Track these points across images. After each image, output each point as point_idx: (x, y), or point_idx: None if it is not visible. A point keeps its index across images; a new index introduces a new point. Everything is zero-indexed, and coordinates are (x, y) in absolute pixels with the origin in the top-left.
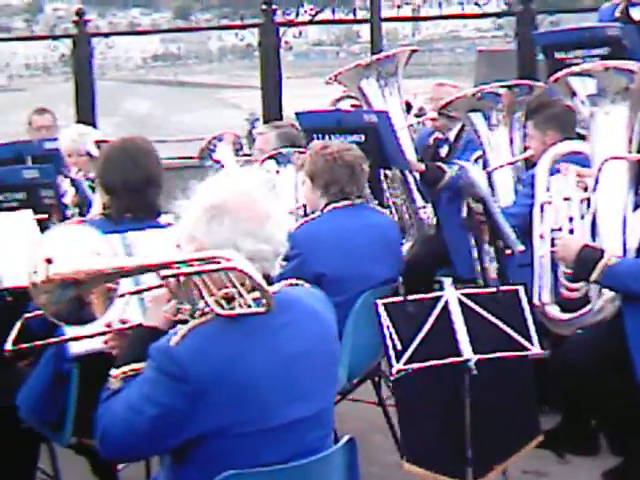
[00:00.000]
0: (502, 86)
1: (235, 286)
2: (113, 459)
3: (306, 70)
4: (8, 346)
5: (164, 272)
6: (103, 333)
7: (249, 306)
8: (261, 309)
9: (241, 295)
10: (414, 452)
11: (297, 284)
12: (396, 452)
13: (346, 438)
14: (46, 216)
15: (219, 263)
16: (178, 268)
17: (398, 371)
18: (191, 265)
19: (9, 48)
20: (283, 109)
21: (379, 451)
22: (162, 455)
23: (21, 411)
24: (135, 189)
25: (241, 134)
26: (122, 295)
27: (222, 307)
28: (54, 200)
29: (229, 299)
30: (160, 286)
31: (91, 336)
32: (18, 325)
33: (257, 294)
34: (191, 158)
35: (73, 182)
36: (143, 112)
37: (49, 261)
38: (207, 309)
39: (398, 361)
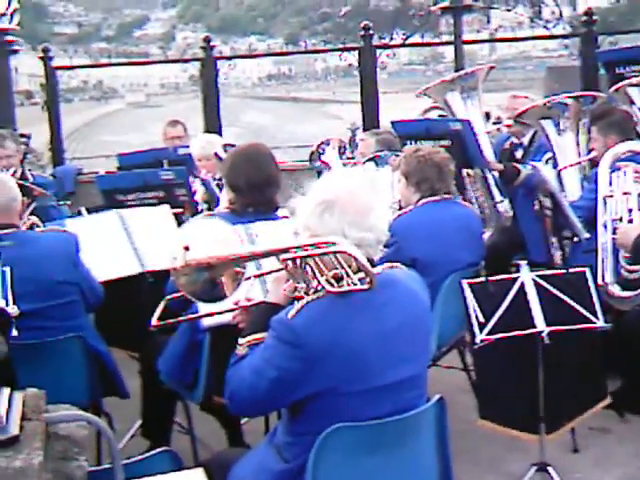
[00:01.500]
0: (569, 97)
1: (343, 267)
2: (240, 414)
3: (398, 86)
4: (154, 322)
5: (284, 256)
6: (231, 310)
7: (355, 284)
8: (365, 286)
9: (348, 275)
10: (490, 410)
11: (396, 267)
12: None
13: (436, 397)
14: (181, 210)
15: (329, 247)
16: (295, 252)
17: (482, 341)
18: (306, 249)
19: (147, 71)
20: (380, 119)
21: (464, 410)
22: (280, 410)
23: (161, 374)
24: (257, 187)
25: (344, 140)
26: (248, 278)
27: (332, 285)
28: (187, 197)
29: (338, 279)
30: (280, 269)
31: (221, 312)
32: (162, 305)
33: (362, 274)
34: (302, 161)
35: (203, 182)
36: (260, 123)
37: (187, 249)
38: (319, 287)
39: (481, 332)
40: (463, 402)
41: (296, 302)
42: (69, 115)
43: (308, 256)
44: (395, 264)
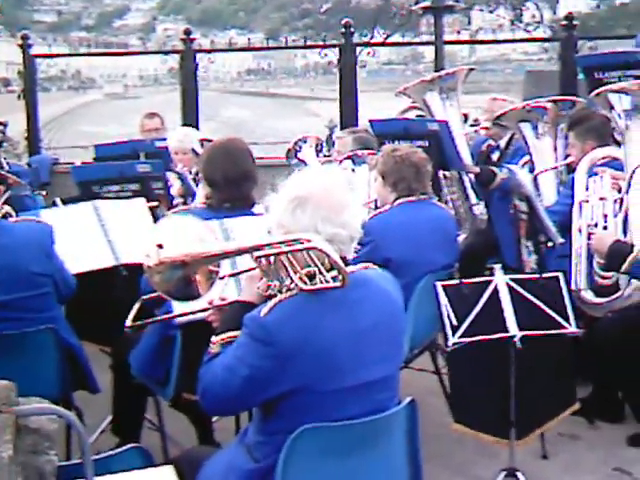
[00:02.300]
0: (549, 101)
1: (316, 265)
2: (212, 412)
3: (377, 85)
4: (128, 323)
5: (257, 253)
6: (205, 309)
7: (327, 282)
8: (337, 284)
9: (321, 273)
10: (463, 414)
11: (370, 267)
12: (449, 414)
13: (408, 399)
14: (156, 204)
15: (302, 243)
16: (268, 249)
17: (453, 344)
18: (279, 246)
19: (126, 62)
20: (358, 118)
21: (435, 413)
22: (252, 410)
23: (132, 368)
24: (234, 182)
25: (321, 138)
26: (222, 277)
27: (305, 283)
28: (163, 191)
29: (311, 277)
30: (254, 268)
31: (195, 312)
32: (136, 306)
33: (335, 272)
34: (278, 158)
35: (179, 175)
36: (238, 118)
37: (160, 246)
38: (292, 285)
39: (454, 335)
40: (434, 405)
41: (269, 300)
42: (46, 104)
43: (281, 253)
44: (369, 264)
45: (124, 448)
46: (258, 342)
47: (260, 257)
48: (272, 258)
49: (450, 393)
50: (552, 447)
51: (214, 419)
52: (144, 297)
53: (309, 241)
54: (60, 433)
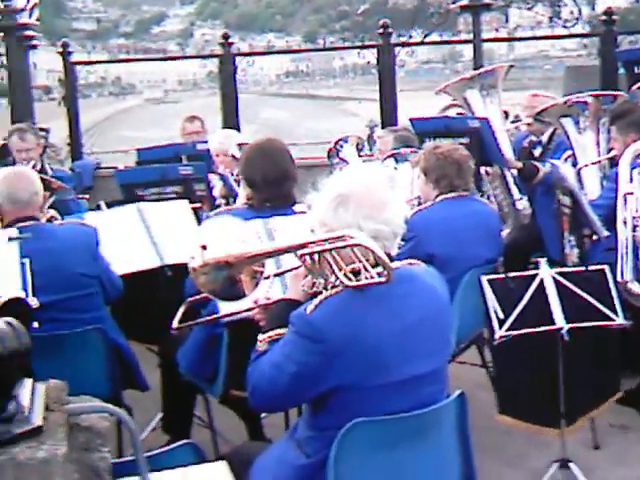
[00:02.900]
0: (590, 95)
1: (361, 261)
2: (261, 409)
3: (416, 84)
4: (175, 325)
5: (301, 251)
6: (251, 309)
7: (372, 278)
8: (383, 279)
9: (366, 269)
10: (509, 406)
11: (415, 263)
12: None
13: (457, 392)
14: (199, 205)
15: (347, 240)
16: (312, 247)
17: (500, 337)
18: (323, 244)
19: (165, 67)
20: (398, 117)
21: (484, 406)
22: (301, 406)
23: (181, 367)
24: (273, 183)
25: (363, 138)
26: (267, 277)
27: (350, 280)
28: (205, 192)
29: (356, 273)
30: (298, 266)
31: (240, 312)
32: (182, 308)
33: (380, 269)
34: (318, 158)
35: (221, 177)
36: (277, 120)
37: (204, 248)
38: (337, 282)
39: (500, 328)
40: (482, 398)
41: (315, 298)
42: (87, 110)
43: (325, 251)
44: (414, 261)
45: (176, 444)
46: (305, 339)
47: (304, 255)
48: (316, 256)
49: (495, 385)
50: (603, 438)
51: (263, 415)
52: (190, 299)
53: (353, 238)
54: (111, 431)
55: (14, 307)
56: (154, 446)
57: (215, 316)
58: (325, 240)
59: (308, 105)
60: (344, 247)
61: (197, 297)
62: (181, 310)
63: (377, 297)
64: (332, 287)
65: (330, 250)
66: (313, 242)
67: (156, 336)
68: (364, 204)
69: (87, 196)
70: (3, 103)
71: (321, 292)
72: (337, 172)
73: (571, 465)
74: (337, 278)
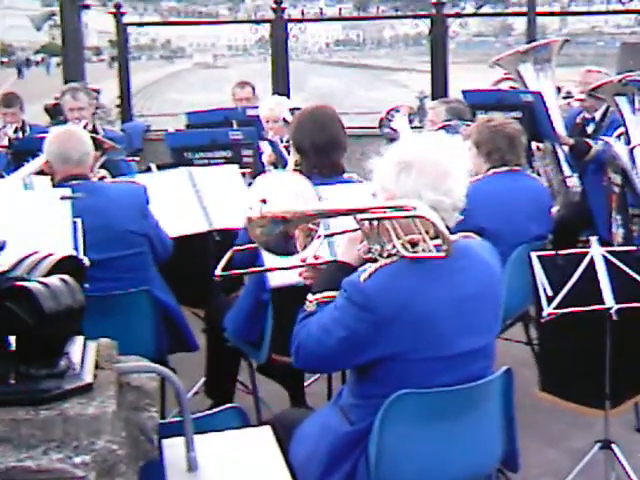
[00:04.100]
0: None
1: (420, 232)
2: (304, 368)
3: (466, 57)
4: (218, 272)
5: (362, 216)
6: (299, 266)
7: (430, 251)
8: (441, 254)
9: (425, 241)
10: (552, 384)
11: (470, 236)
12: None
13: (504, 368)
14: (249, 171)
15: (409, 211)
16: (374, 213)
17: (549, 314)
18: (385, 211)
19: (215, 31)
20: (448, 89)
21: (527, 384)
22: (345, 373)
23: (227, 332)
24: (322, 150)
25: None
26: (319, 236)
27: (407, 250)
28: (253, 159)
29: (413, 244)
30: (356, 229)
31: (287, 268)
32: (227, 255)
33: (438, 241)
34: (368, 127)
35: (271, 143)
36: (326, 88)
37: (264, 201)
38: (393, 251)
39: (549, 306)
40: (526, 376)
41: (368, 264)
42: (136, 73)
43: (386, 218)
44: (469, 234)
45: (222, 408)
46: (356, 307)
47: (364, 220)
48: (375, 222)
49: (539, 363)
50: None
51: (306, 383)
52: (235, 248)
53: (417, 209)
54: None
55: (67, 265)
56: (196, 410)
57: (261, 269)
58: (388, 208)
59: (357, 74)
60: (406, 217)
61: (243, 246)
62: (226, 257)
63: (433, 270)
64: (388, 255)
65: (391, 218)
66: (375, 208)
67: (203, 300)
68: (427, 173)
69: (137, 158)
70: (53, 62)
71: (375, 259)
72: (400, 139)
73: (613, 446)
74: (394, 247)
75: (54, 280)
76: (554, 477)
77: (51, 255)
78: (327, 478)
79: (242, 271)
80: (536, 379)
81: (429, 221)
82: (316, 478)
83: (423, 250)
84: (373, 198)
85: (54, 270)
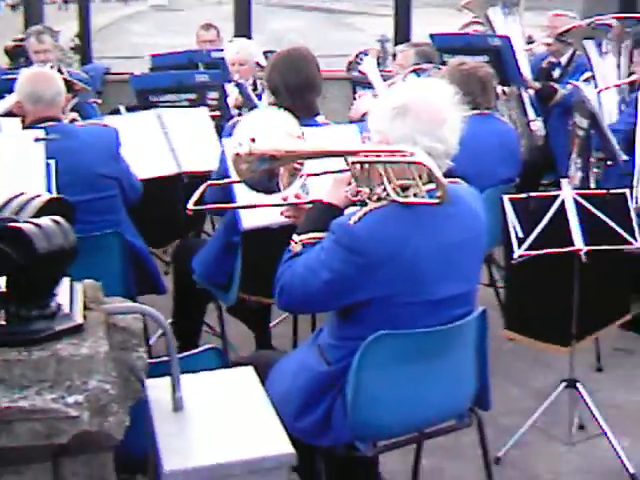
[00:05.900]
0: (615, 17)
1: (413, 178)
2: (288, 309)
3: (428, 2)
4: (190, 206)
5: (356, 159)
6: (280, 205)
7: (423, 197)
8: (435, 200)
9: (417, 186)
10: (518, 323)
11: (457, 182)
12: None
13: (480, 309)
14: (218, 114)
15: (406, 156)
16: (368, 156)
17: (520, 256)
18: (379, 155)
19: None
20: (411, 33)
21: (491, 326)
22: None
23: (196, 274)
24: (295, 91)
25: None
26: (302, 175)
27: (398, 194)
28: (218, 102)
29: (404, 188)
30: (342, 171)
31: (269, 205)
32: (201, 189)
33: (431, 186)
34: (330, 71)
35: (238, 86)
36: (285, 32)
37: (253, 140)
38: (383, 194)
39: (519, 248)
40: (490, 317)
41: (355, 206)
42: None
43: (381, 162)
44: (456, 179)
45: (202, 349)
46: (344, 249)
47: (356, 162)
48: (367, 165)
49: (505, 302)
50: (607, 361)
51: (272, 324)
52: (210, 182)
53: (414, 155)
54: None
55: (56, 207)
56: (162, 351)
57: (233, 205)
58: (385, 152)
59: (316, 18)
60: (402, 162)
61: (217, 182)
62: (199, 191)
63: (422, 215)
64: (377, 199)
65: (385, 163)
66: (372, 151)
67: (170, 242)
68: (422, 118)
69: (99, 100)
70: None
71: (363, 201)
72: (397, 83)
73: (578, 385)
74: (385, 191)
75: (46, 221)
76: (520, 415)
77: (39, 196)
78: (303, 417)
79: (217, 205)
80: (499, 320)
81: (426, 167)
82: (292, 417)
83: (415, 195)
84: (367, 139)
85: (42, 212)
